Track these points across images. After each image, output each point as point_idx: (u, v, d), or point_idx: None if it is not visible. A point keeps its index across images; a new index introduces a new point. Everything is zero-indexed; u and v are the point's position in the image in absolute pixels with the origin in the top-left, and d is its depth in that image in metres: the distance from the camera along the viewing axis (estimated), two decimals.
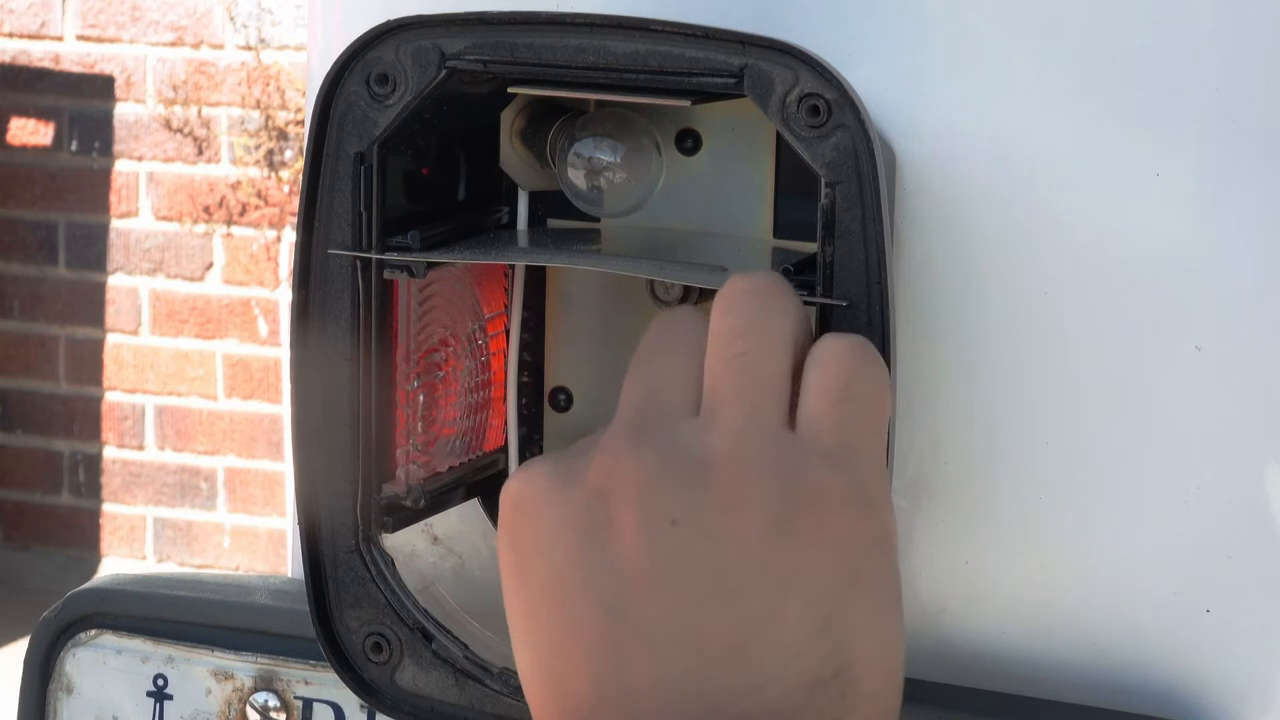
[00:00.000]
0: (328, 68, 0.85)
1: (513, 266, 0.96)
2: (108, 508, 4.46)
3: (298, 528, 0.89)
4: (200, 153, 4.28)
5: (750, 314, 0.72)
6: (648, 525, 0.68)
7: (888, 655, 0.69)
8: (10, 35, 4.36)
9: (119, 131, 4.32)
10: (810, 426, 0.70)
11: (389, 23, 0.85)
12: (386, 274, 0.87)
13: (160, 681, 1.00)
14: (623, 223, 0.94)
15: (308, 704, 0.98)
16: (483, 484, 0.99)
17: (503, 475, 0.99)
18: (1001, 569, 0.92)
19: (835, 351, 0.72)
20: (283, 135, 4.23)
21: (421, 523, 0.96)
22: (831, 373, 0.71)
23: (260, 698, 0.98)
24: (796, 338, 0.72)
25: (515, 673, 0.74)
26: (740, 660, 0.67)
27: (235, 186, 4.26)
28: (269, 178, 4.25)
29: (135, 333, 4.38)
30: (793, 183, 0.91)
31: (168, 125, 4.29)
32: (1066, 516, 0.90)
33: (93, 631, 1.00)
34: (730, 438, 0.69)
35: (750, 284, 0.73)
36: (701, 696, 0.66)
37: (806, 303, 0.82)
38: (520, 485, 0.72)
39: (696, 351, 0.72)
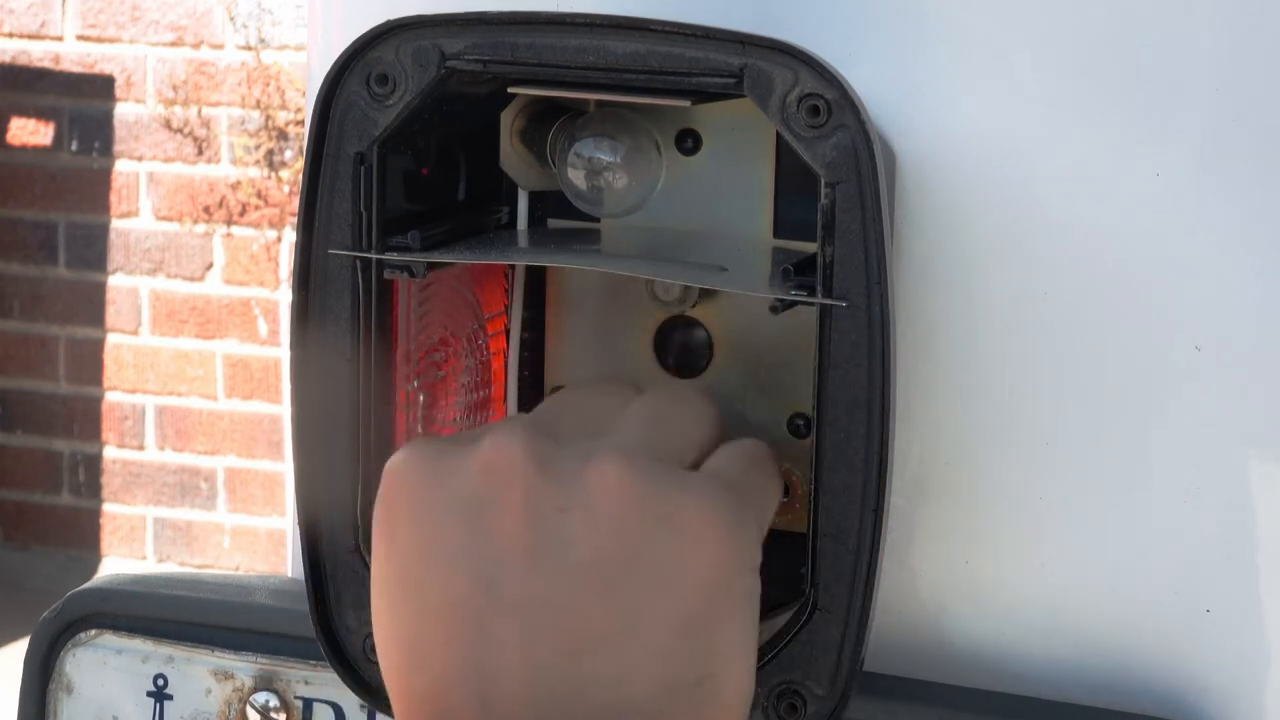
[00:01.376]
0: (328, 68, 0.85)
1: (513, 266, 0.95)
2: (108, 508, 4.46)
3: (298, 528, 0.89)
4: (200, 153, 4.28)
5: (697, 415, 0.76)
6: (534, 507, 0.68)
7: (746, 673, 0.69)
8: (10, 35, 4.36)
9: (119, 131, 4.32)
10: (707, 466, 0.72)
11: (389, 23, 0.85)
12: (386, 274, 0.87)
13: (160, 681, 1.00)
14: (623, 223, 0.94)
15: (308, 704, 0.98)
16: None
17: None
18: (1001, 569, 0.92)
19: (746, 443, 0.75)
20: (283, 135, 4.22)
21: None
22: (738, 447, 0.74)
23: (260, 698, 0.98)
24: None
25: None
26: (608, 650, 0.66)
27: (235, 186, 4.26)
28: (269, 178, 4.25)
29: (135, 333, 4.38)
30: (793, 183, 0.91)
31: (168, 125, 4.29)
32: (1066, 516, 0.90)
33: (93, 631, 1.00)
34: (624, 445, 0.70)
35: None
36: (564, 682, 0.66)
37: (806, 303, 0.82)
38: (405, 456, 0.72)
39: (626, 399, 0.75)
